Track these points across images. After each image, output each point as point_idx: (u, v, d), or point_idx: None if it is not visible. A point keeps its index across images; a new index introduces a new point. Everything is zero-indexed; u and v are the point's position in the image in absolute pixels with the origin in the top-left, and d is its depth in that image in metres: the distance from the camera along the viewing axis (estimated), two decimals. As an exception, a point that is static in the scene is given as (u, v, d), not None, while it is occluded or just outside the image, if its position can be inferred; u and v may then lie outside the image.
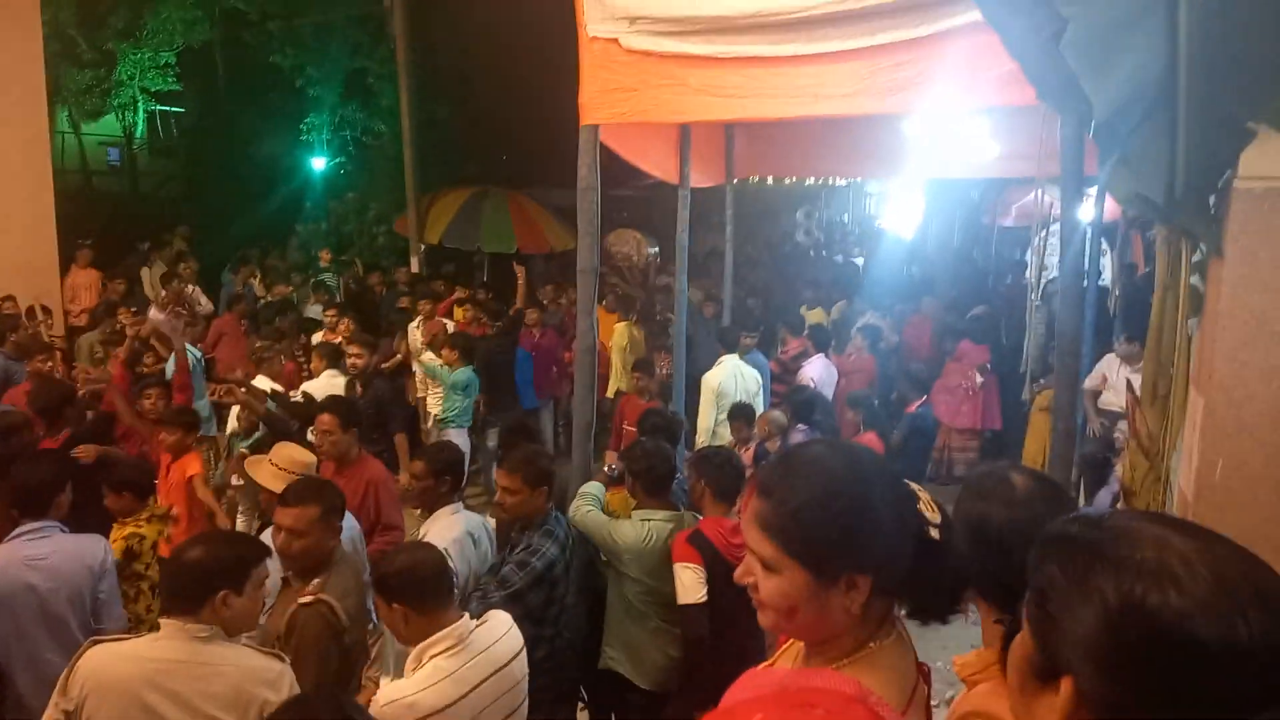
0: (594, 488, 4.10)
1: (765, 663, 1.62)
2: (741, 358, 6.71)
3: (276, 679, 2.43)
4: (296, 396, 6.03)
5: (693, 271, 7.05)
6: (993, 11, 3.10)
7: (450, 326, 8.43)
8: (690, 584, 3.53)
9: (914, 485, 1.42)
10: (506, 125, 16.10)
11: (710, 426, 6.32)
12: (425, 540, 3.61)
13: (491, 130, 16.49)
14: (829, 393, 7.05)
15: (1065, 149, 3.68)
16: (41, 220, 9.68)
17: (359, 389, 6.58)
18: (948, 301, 10.72)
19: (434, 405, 7.47)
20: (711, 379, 6.47)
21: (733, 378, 6.48)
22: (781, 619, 1.34)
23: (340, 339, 7.44)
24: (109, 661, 2.39)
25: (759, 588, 1.35)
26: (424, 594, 2.57)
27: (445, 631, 2.55)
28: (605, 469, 4.35)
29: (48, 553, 3.33)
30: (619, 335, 8.42)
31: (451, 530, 3.72)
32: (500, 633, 2.71)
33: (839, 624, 1.34)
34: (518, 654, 2.72)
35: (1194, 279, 3.21)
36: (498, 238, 11.63)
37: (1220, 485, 2.82)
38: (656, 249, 14.62)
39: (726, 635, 3.51)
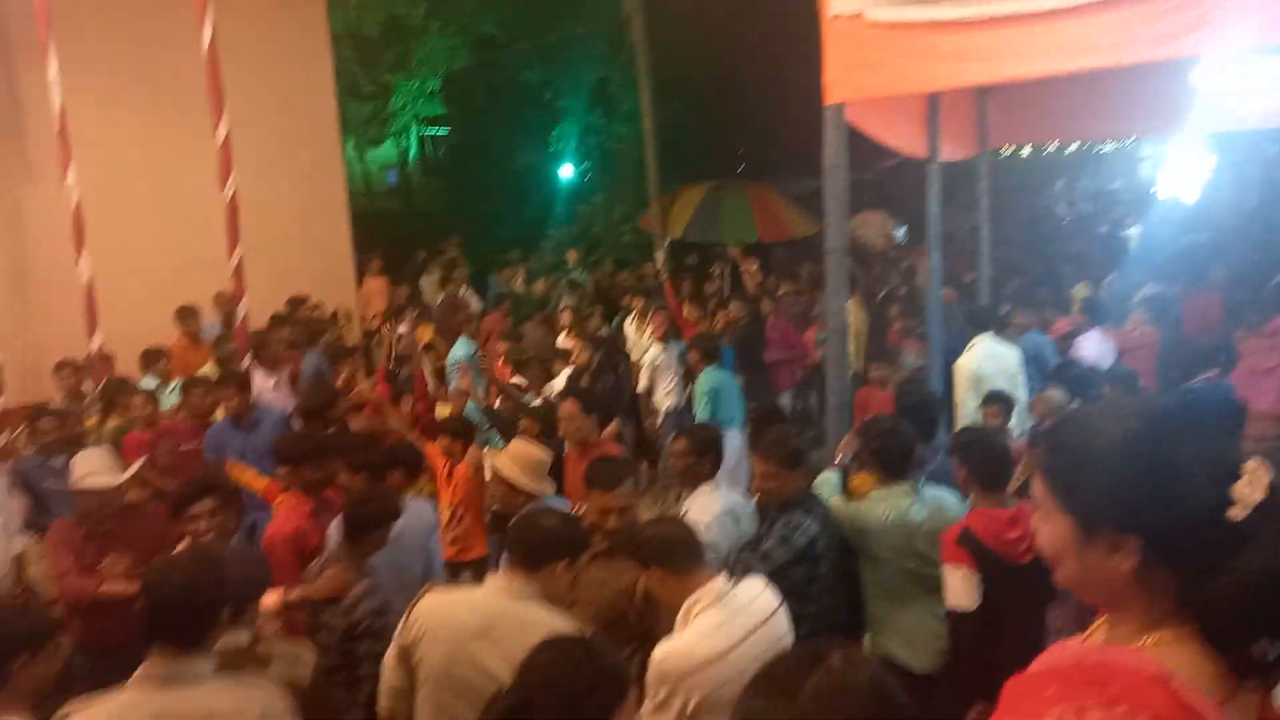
0: (829, 476, 4.06)
1: (1080, 635, 1.55)
2: (1014, 339, 6.31)
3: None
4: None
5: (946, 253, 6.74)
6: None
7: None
8: (957, 587, 3.39)
9: (1255, 461, 1.21)
10: (742, 119, 16.25)
11: (971, 414, 5.99)
12: (686, 516, 3.78)
13: (728, 125, 16.71)
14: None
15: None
16: (339, 236, 11.00)
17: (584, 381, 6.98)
18: (1239, 272, 9.52)
19: (664, 399, 7.77)
20: (965, 364, 6.10)
21: (989, 360, 6.10)
22: (1054, 568, 1.32)
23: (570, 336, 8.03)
24: (445, 607, 2.70)
25: (1038, 532, 1.34)
26: (676, 557, 2.75)
27: (704, 589, 2.69)
28: (837, 459, 4.26)
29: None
30: (853, 316, 8.25)
31: (712, 507, 3.82)
32: (757, 591, 2.80)
33: (1114, 590, 1.25)
34: (777, 610, 2.79)
35: None
36: (739, 228, 11.75)
37: None
38: (904, 228, 14.14)
39: (1004, 636, 3.36)
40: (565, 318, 9.04)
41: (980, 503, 3.53)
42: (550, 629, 2.61)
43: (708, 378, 7.01)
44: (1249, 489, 1.17)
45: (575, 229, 16.22)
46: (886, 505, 3.70)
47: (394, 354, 7.53)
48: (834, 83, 3.96)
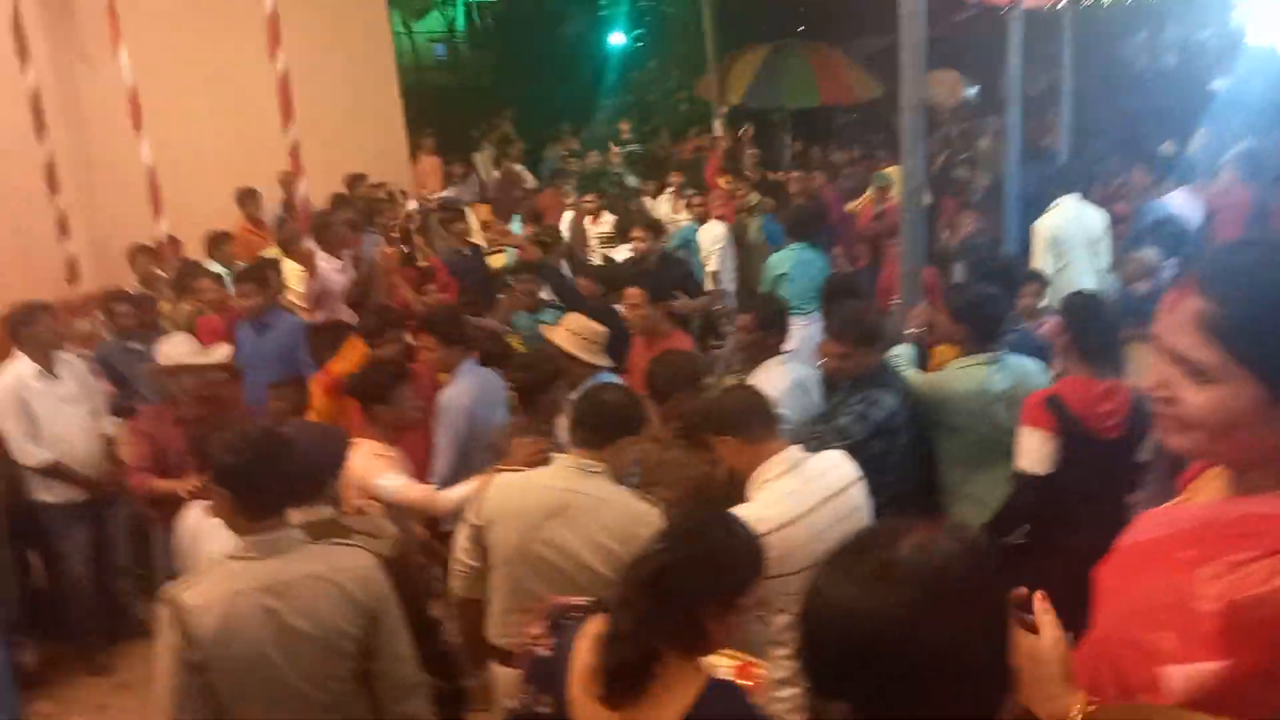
0: (901, 350, 3.96)
1: (1169, 503, 1.47)
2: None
3: (655, 521, 2.62)
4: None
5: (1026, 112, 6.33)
6: None
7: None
8: (1032, 450, 3.27)
9: None
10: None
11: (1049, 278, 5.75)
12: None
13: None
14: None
15: None
16: (391, 112, 10.82)
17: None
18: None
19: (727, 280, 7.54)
20: (1043, 225, 5.80)
21: (1073, 221, 5.80)
22: (1214, 439, 1.17)
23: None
24: (516, 488, 2.69)
25: (1181, 400, 1.18)
26: (750, 424, 2.71)
27: (776, 458, 2.68)
28: (910, 330, 4.13)
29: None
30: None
31: (782, 380, 3.77)
32: (834, 462, 2.78)
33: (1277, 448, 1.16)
34: (854, 482, 2.76)
35: None
36: (801, 92, 11.25)
37: None
38: (976, 88, 13.43)
39: (1080, 511, 3.25)
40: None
41: (1078, 371, 3.38)
42: (624, 504, 2.66)
43: (789, 257, 6.22)
44: None
45: (629, 98, 15.71)
46: (968, 375, 3.62)
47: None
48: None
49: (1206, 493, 1.35)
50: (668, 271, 6.30)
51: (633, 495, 2.73)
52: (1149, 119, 10.89)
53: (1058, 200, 5.82)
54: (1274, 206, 6.83)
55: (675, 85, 15.03)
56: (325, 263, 6.33)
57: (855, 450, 3.13)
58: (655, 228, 7.03)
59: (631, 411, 2.78)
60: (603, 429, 2.71)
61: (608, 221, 8.13)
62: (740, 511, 2.58)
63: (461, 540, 2.77)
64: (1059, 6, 6.57)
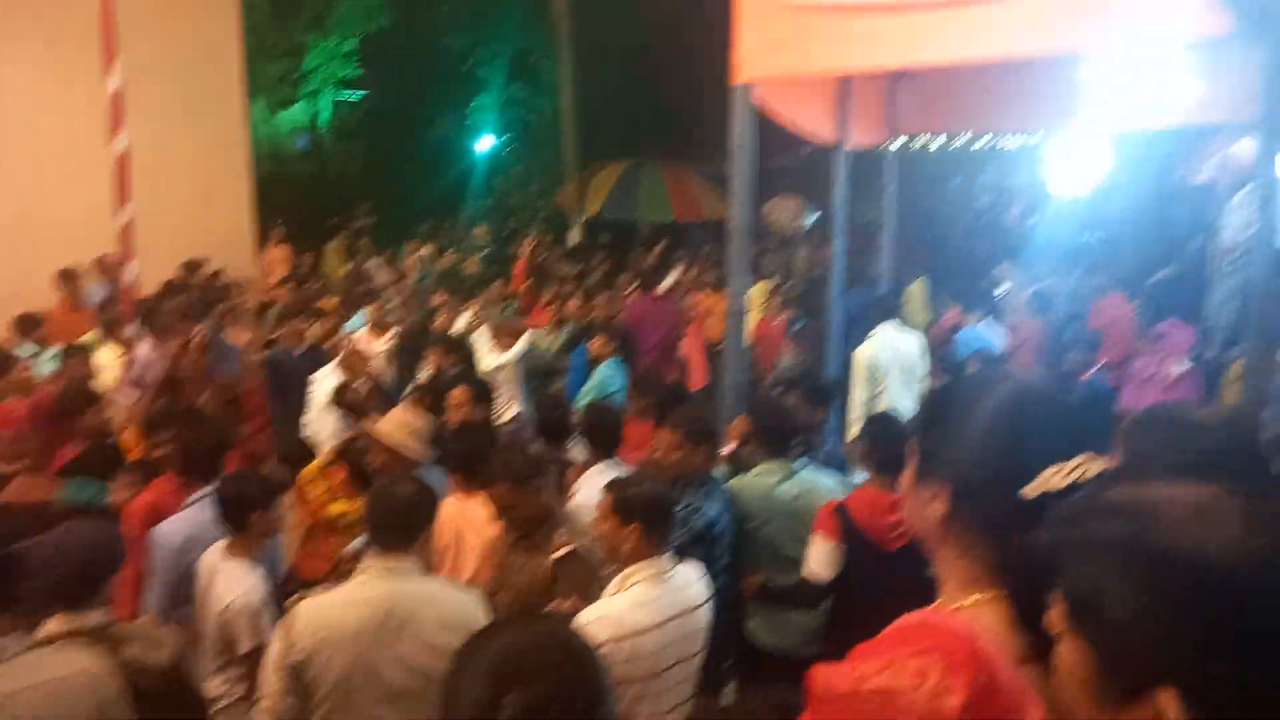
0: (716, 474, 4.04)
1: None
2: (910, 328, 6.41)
3: (479, 605, 2.63)
4: None
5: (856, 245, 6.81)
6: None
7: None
8: (815, 557, 3.45)
9: (1086, 455, 1.20)
10: (664, 97, 16.18)
11: (861, 404, 6.00)
12: (577, 496, 3.74)
13: (647, 103, 16.63)
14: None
15: (1266, 83, 3.33)
16: (242, 199, 10.56)
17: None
18: (1136, 265, 9.94)
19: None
20: (861, 353, 6.12)
21: (889, 348, 6.04)
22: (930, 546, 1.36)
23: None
24: (330, 612, 2.46)
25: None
26: (658, 522, 2.74)
27: (651, 561, 2.69)
28: (727, 446, 4.23)
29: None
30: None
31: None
32: (695, 578, 2.81)
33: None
34: (705, 603, 2.79)
35: None
36: (655, 207, 11.73)
37: None
38: (818, 215, 14.30)
39: (870, 620, 3.39)
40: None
41: (871, 483, 3.59)
42: (452, 596, 2.61)
43: (607, 370, 6.21)
44: (1055, 476, 1.17)
45: (491, 201, 15.95)
46: (758, 482, 3.77)
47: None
48: (744, 61, 3.92)
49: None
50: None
51: (449, 583, 2.67)
52: (963, 256, 11.90)
53: (875, 329, 6.18)
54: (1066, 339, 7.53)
55: (537, 192, 15.38)
56: (148, 349, 6.04)
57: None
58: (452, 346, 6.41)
59: (426, 499, 2.71)
60: (405, 526, 2.61)
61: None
62: (598, 609, 2.61)
63: (272, 681, 2.45)
64: (885, 147, 7.16)
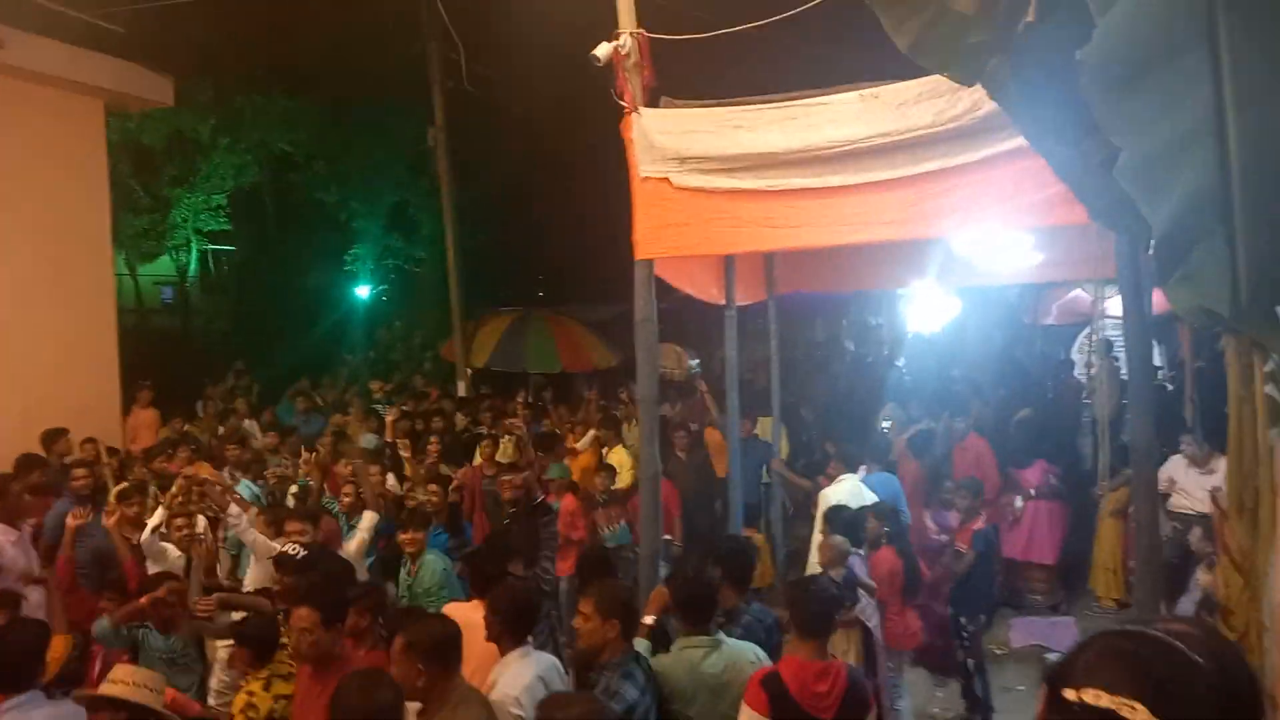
0: (639, 645, 3.91)
1: None
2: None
3: None
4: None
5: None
6: (1040, 141, 3.17)
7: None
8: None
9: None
10: (546, 246, 16.65)
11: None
12: (496, 688, 3.57)
13: (532, 252, 17.05)
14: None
15: (1121, 265, 3.72)
16: (105, 363, 10.01)
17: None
18: (996, 404, 10.57)
19: None
20: (828, 497, 6.23)
21: (852, 498, 6.16)
22: None
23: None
24: None
25: None
26: None
27: None
28: (647, 618, 4.17)
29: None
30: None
31: (523, 676, 3.64)
32: None
33: None
34: None
35: (1269, 389, 3.17)
36: (543, 358, 11.83)
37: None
38: (697, 361, 14.70)
39: None
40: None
41: (796, 650, 3.58)
42: None
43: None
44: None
45: (372, 355, 15.70)
46: (685, 656, 3.71)
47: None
48: (643, 241, 4.12)
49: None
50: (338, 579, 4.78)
51: None
52: (840, 398, 12.39)
53: (841, 476, 6.36)
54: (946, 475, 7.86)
55: (420, 344, 15.27)
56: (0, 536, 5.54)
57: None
58: (315, 517, 5.87)
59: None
60: None
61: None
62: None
63: None
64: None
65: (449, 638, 3.33)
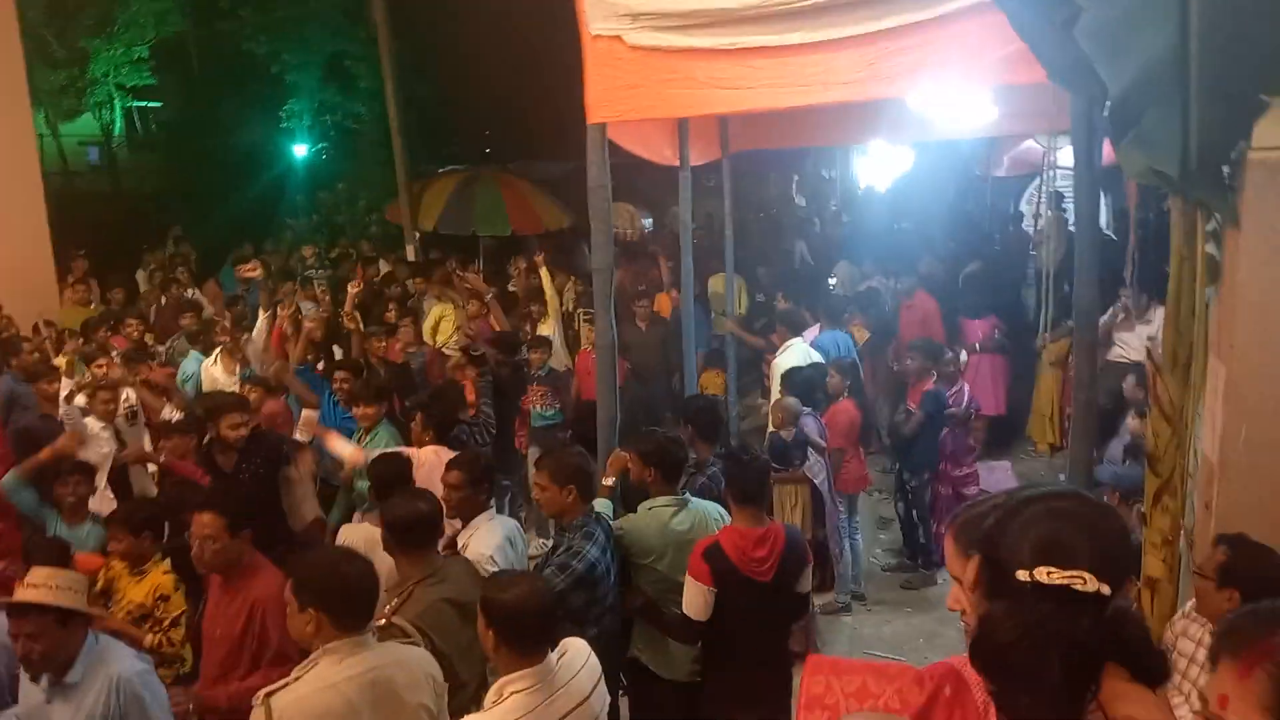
0: (600, 505, 4.04)
1: None
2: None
3: (430, 660, 2.82)
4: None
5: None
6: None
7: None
8: (692, 599, 3.60)
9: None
10: (492, 100, 15.98)
11: None
12: (468, 550, 3.70)
13: (478, 106, 16.35)
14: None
15: (1075, 126, 3.72)
16: (36, 228, 9.60)
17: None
18: (946, 257, 10.71)
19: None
20: (779, 367, 6.34)
21: (803, 362, 6.28)
22: None
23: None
24: (316, 699, 2.53)
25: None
26: (527, 630, 2.58)
27: (529, 670, 2.54)
28: (607, 480, 4.23)
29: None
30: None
31: (493, 537, 3.79)
32: (580, 664, 2.70)
33: None
34: (597, 684, 2.73)
35: (1209, 248, 3.26)
36: (491, 221, 11.57)
37: (1244, 454, 2.90)
38: (649, 219, 14.55)
39: (740, 652, 3.65)
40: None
41: (736, 519, 3.74)
42: (410, 657, 2.81)
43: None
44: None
45: (316, 218, 15.21)
46: (653, 516, 3.88)
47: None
48: (595, 103, 3.99)
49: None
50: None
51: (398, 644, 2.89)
52: (794, 256, 12.43)
53: (788, 342, 6.44)
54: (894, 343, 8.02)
55: (365, 207, 14.81)
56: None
57: (558, 601, 3.18)
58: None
59: (371, 570, 2.77)
60: (367, 604, 2.71)
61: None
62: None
63: None
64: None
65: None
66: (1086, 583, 1.26)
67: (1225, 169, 3.01)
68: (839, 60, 3.71)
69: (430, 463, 4.52)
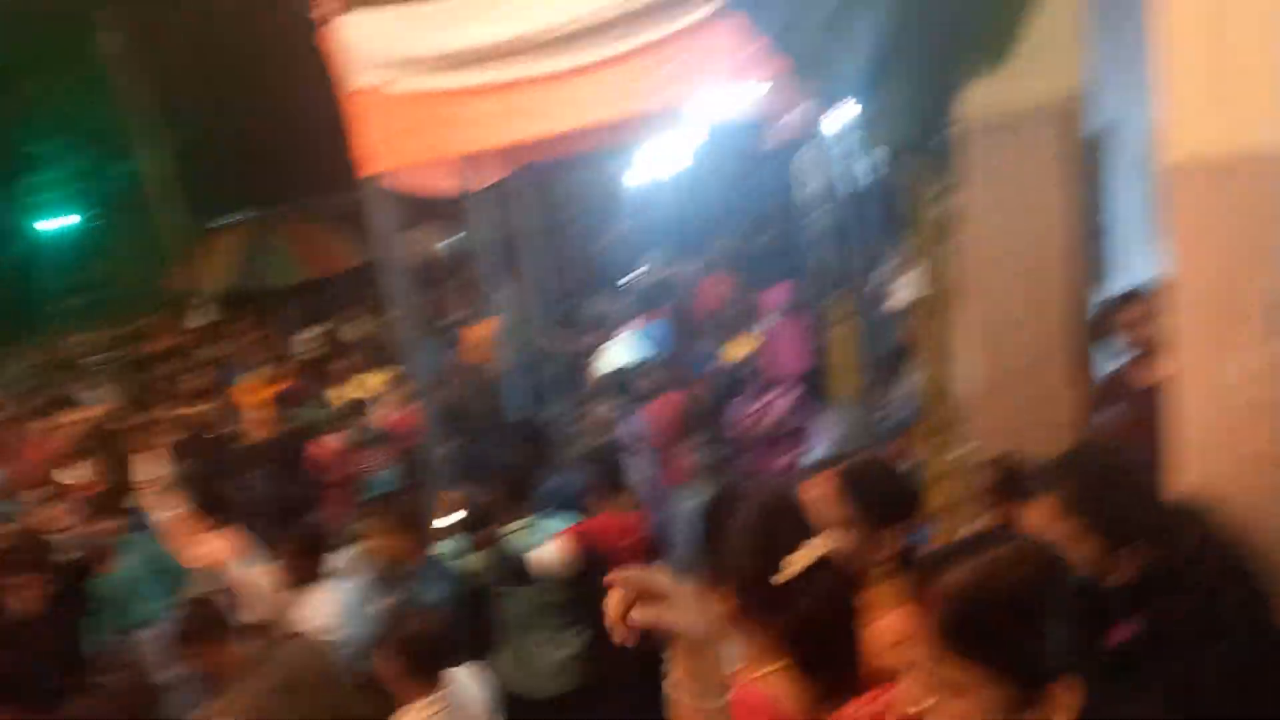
0: (444, 545, 4.08)
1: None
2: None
3: None
4: None
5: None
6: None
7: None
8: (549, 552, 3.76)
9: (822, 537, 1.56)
10: (269, 141, 15.11)
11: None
12: (306, 622, 3.65)
13: (259, 145, 15.40)
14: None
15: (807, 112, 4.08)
16: None
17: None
18: (738, 234, 11.17)
19: None
20: (599, 370, 6.51)
21: (623, 362, 6.60)
22: None
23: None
24: None
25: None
26: (422, 659, 2.71)
27: (432, 696, 2.68)
28: (441, 517, 4.23)
29: None
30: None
31: (331, 604, 3.75)
32: (473, 686, 2.89)
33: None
34: (490, 708, 2.90)
35: (946, 203, 3.68)
36: (284, 269, 11.14)
37: (990, 385, 3.33)
38: (448, 242, 14.32)
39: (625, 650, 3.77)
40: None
41: (601, 510, 3.95)
42: None
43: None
44: (797, 560, 1.50)
45: (82, 299, 13.81)
46: (516, 542, 3.93)
47: None
48: (367, 156, 3.98)
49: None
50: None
51: None
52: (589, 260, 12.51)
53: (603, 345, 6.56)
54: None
55: (141, 277, 13.76)
56: None
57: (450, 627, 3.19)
58: None
59: None
60: None
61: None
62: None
63: None
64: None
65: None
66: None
67: (951, 133, 3.41)
68: (606, 79, 3.92)
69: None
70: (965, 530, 3.44)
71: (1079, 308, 3.21)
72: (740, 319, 7.71)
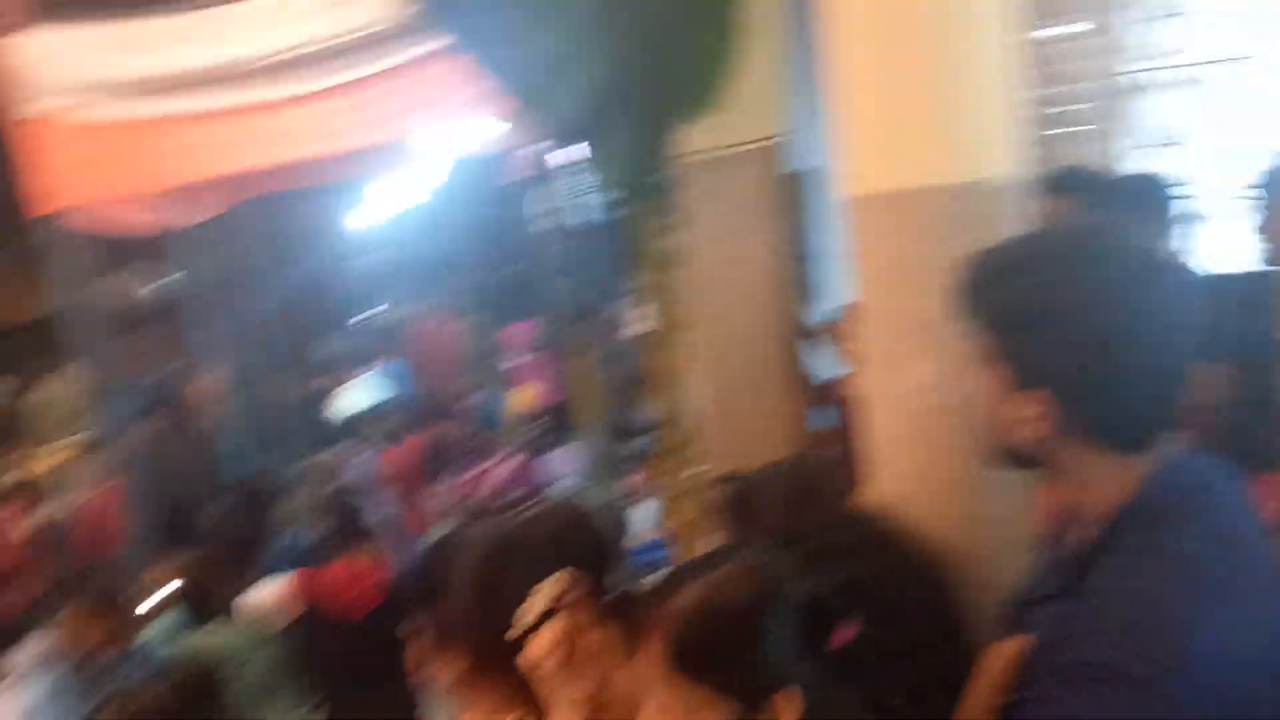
0: (160, 623, 3.70)
1: None
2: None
3: None
4: None
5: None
6: (469, 41, 3.40)
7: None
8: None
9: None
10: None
11: None
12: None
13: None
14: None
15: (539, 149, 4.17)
16: None
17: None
18: (479, 270, 11.07)
19: None
20: (338, 414, 6.13)
21: (359, 405, 6.44)
22: None
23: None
24: None
25: None
26: None
27: None
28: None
29: None
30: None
31: (19, 705, 3.30)
32: None
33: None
34: None
35: (668, 239, 3.89)
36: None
37: (715, 409, 3.54)
38: (155, 285, 13.10)
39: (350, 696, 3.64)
40: None
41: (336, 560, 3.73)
42: None
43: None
44: (531, 609, 1.42)
45: None
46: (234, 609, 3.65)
47: None
48: (45, 190, 3.54)
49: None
50: None
51: None
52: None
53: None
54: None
55: None
56: None
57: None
58: None
59: None
60: None
61: None
62: None
63: None
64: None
65: None
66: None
67: (671, 172, 3.60)
68: (325, 111, 3.76)
69: None
70: (701, 549, 3.62)
71: (789, 328, 3.50)
72: (482, 357, 7.65)
